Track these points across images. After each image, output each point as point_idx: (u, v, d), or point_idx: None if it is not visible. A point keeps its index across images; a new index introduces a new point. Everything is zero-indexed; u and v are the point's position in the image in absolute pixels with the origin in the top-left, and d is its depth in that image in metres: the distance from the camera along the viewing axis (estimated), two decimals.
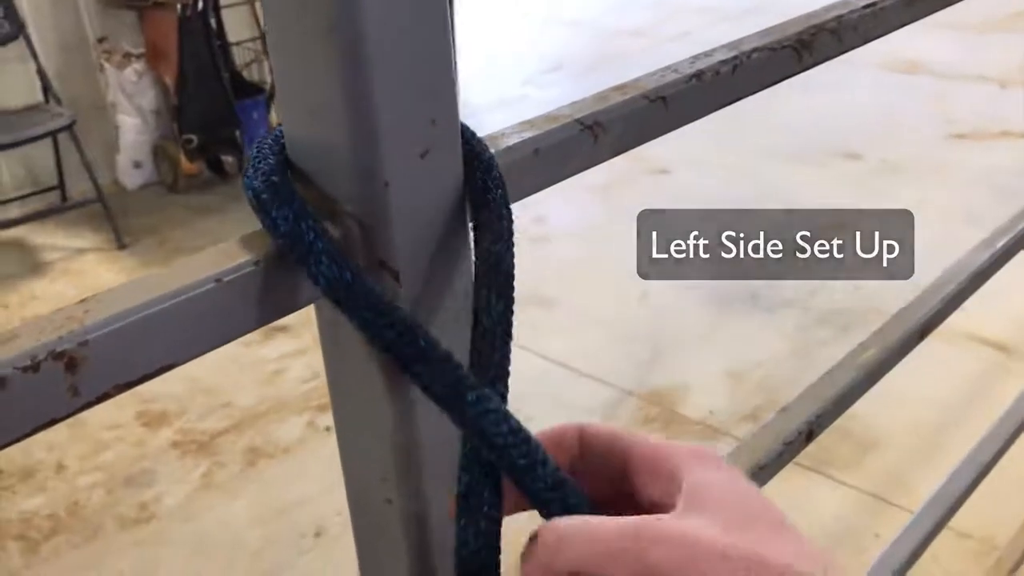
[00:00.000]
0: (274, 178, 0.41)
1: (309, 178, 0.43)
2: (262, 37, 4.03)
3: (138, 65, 4.21)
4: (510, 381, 0.43)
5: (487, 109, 5.00)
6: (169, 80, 4.13)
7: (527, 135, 0.49)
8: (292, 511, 2.41)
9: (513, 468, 0.41)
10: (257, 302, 0.41)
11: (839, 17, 0.63)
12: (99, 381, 0.36)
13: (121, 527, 2.46)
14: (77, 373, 0.35)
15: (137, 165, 4.42)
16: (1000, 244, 1.12)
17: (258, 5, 3.91)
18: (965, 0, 0.95)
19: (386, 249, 0.43)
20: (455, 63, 0.44)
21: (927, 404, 2.49)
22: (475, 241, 0.45)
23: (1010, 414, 1.53)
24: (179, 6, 3.92)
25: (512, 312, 0.44)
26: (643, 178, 4.03)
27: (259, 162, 0.42)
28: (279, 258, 0.41)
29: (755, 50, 0.60)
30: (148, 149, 4.38)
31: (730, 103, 0.57)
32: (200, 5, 3.93)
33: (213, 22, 4.02)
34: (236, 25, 4.23)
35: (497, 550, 0.41)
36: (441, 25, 0.41)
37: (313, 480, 2.48)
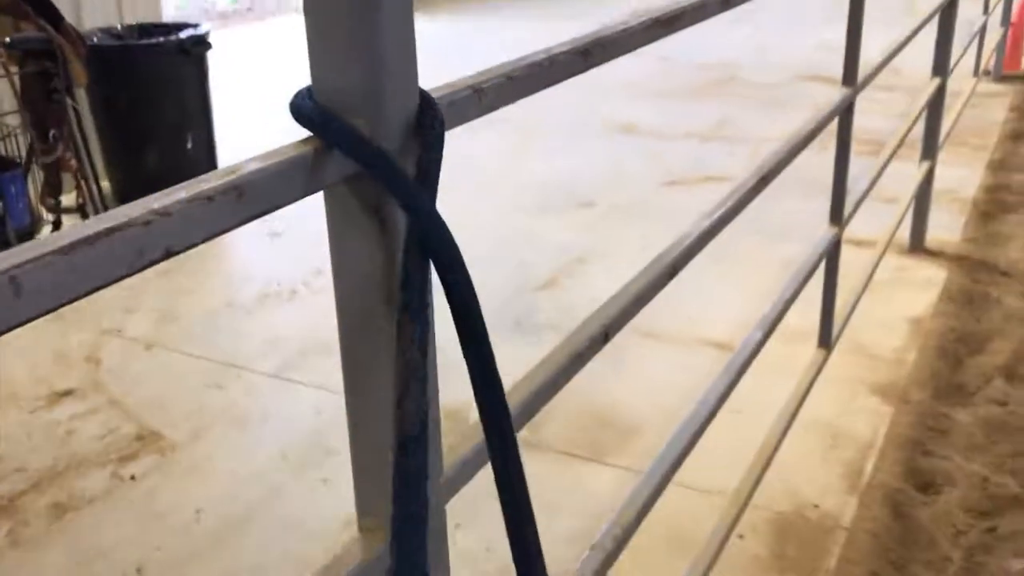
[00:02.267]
0: (310, 101, 0.70)
1: (334, 113, 0.71)
2: (18, 111, 4.01)
3: None
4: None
5: None
6: None
7: (442, 93, 0.80)
8: (109, 553, 2.45)
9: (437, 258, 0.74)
10: (316, 173, 0.68)
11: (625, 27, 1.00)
12: (249, 208, 0.63)
13: None
14: (241, 202, 0.62)
15: None
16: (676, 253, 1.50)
17: (16, 79, 3.91)
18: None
19: (389, 145, 0.72)
20: None
21: (670, 393, 2.96)
22: (419, 151, 0.75)
23: (712, 388, 1.88)
24: None
25: (436, 184, 0.75)
26: None
27: (298, 98, 0.71)
28: (327, 149, 0.69)
29: (568, 51, 0.95)
30: None
31: (560, 81, 0.92)
32: None
33: None
34: None
35: (426, 296, 0.73)
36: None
37: (127, 522, 2.54)
